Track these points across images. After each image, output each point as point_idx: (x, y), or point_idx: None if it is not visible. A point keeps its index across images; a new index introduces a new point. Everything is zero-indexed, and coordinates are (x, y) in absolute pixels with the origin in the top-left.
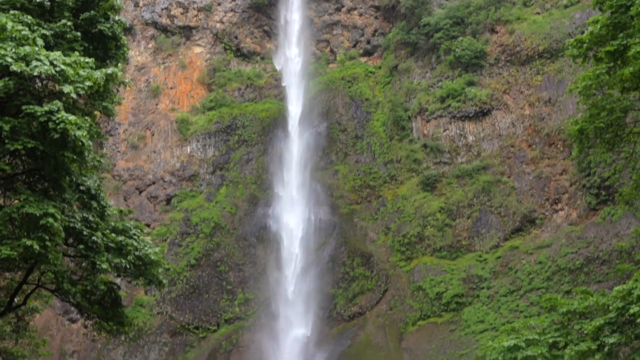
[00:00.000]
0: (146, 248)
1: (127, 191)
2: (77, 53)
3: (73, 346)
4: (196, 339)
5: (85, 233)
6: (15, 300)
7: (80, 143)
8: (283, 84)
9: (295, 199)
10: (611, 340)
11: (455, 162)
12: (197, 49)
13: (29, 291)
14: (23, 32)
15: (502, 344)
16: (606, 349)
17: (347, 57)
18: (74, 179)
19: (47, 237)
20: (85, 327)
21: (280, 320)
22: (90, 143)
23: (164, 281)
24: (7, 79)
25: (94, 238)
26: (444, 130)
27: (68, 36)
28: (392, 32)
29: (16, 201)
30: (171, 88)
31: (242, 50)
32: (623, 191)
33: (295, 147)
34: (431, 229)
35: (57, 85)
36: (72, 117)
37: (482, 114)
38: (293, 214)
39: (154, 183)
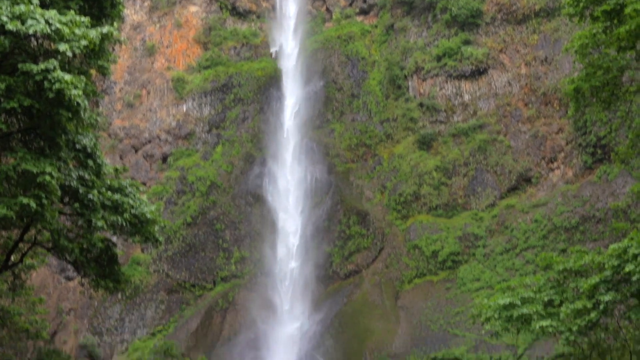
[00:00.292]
0: (142, 206)
1: (123, 150)
2: (72, 12)
3: (70, 304)
4: (192, 297)
5: (81, 191)
6: (12, 258)
7: (75, 103)
8: (279, 43)
9: (291, 158)
10: (606, 298)
11: (452, 120)
12: (193, 8)
13: (26, 249)
14: None
15: (497, 302)
16: (601, 306)
17: (343, 16)
18: (70, 138)
19: (43, 195)
20: (82, 285)
21: (276, 278)
22: (86, 102)
23: (160, 239)
24: (2, 37)
25: (90, 196)
26: (440, 89)
27: None
28: None
29: (12, 160)
30: (167, 47)
31: (237, 9)
32: (619, 150)
33: (291, 106)
34: (427, 188)
35: (52, 44)
36: (67, 77)
37: (478, 72)
38: (289, 172)
39: (149, 142)
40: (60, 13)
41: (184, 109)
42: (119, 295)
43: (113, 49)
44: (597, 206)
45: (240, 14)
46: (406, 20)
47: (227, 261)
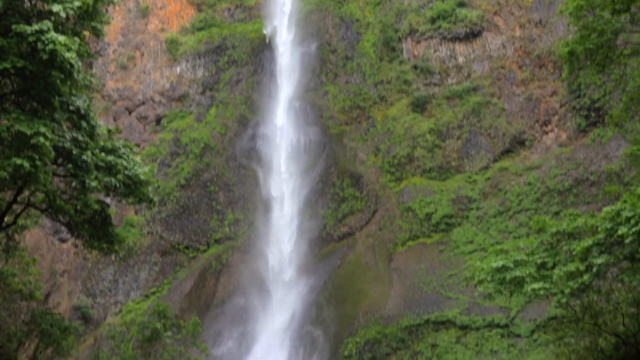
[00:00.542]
0: (136, 167)
1: (117, 111)
2: None
3: (63, 265)
4: (186, 259)
5: (74, 152)
6: (5, 219)
7: (69, 64)
8: (273, 4)
9: (285, 120)
10: (599, 260)
11: (445, 83)
12: None
13: (19, 211)
14: None
15: (490, 264)
16: (594, 269)
17: None
18: (64, 99)
19: (37, 157)
20: (76, 246)
21: (269, 241)
22: (80, 63)
23: (155, 199)
24: None
25: (83, 157)
26: (434, 52)
27: None
28: None
29: (6, 121)
30: (160, 8)
31: None
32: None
33: (285, 68)
34: (421, 150)
35: (46, 5)
36: (61, 38)
37: (472, 35)
38: (282, 135)
39: (143, 103)
40: None
41: (178, 71)
42: (113, 257)
43: (106, 10)
44: (590, 169)
45: None
46: None
47: (220, 223)
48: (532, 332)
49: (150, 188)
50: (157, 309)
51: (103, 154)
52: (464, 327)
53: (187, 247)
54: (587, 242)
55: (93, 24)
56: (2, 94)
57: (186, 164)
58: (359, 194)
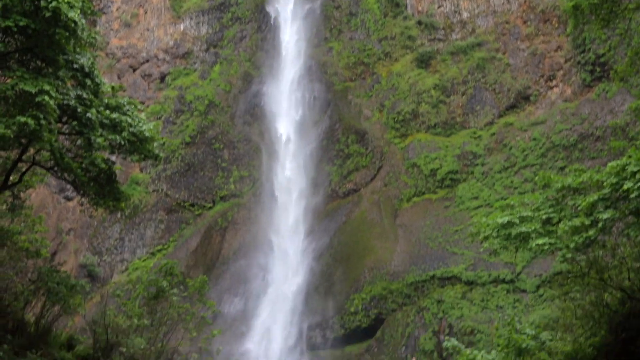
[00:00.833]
0: (140, 124)
1: (121, 69)
2: None
3: (69, 224)
4: (192, 216)
5: (79, 110)
6: (11, 178)
7: (72, 22)
8: None
9: (289, 76)
10: (605, 215)
11: (450, 38)
12: None
13: (25, 169)
14: None
15: (496, 220)
16: (600, 224)
17: None
18: (68, 57)
19: (41, 116)
20: (82, 204)
21: (275, 197)
22: (84, 21)
23: (160, 155)
24: None
25: (88, 115)
26: (439, 7)
27: None
28: None
29: (9, 80)
30: None
31: None
32: (618, 68)
33: (289, 24)
34: (425, 106)
35: None
36: None
37: None
38: (287, 91)
39: (147, 61)
40: None
41: (181, 28)
42: (119, 215)
43: None
44: (595, 124)
45: None
46: None
47: (226, 180)
48: (538, 287)
49: (155, 144)
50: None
51: (108, 112)
52: (470, 283)
53: (192, 205)
54: (593, 197)
55: None
56: (5, 52)
57: (191, 121)
58: (364, 151)
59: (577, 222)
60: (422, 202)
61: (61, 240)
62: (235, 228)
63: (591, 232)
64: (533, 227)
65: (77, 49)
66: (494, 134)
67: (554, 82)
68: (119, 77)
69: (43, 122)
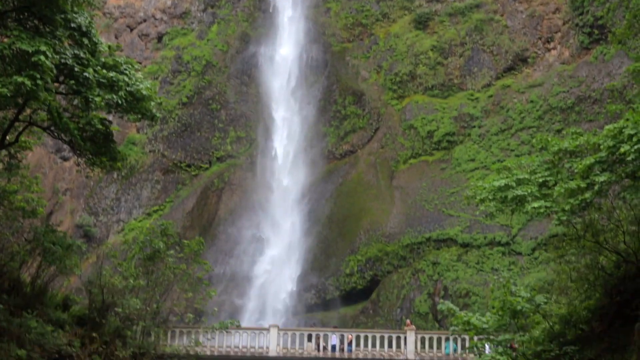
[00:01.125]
0: (138, 83)
1: (118, 29)
2: None
3: (66, 184)
4: (188, 177)
5: (76, 69)
6: (7, 138)
7: None
8: None
9: (287, 37)
10: (601, 178)
11: (448, 0)
12: None
13: (21, 129)
14: None
15: (492, 183)
16: (596, 187)
17: None
18: (65, 16)
19: (37, 75)
20: (78, 164)
21: (272, 158)
22: None
23: (157, 115)
24: None
25: (85, 74)
26: None
27: None
28: None
29: (6, 39)
30: None
31: None
32: (616, 31)
33: None
34: (423, 67)
35: None
36: None
37: None
38: (285, 51)
39: (144, 21)
40: None
41: None
42: (115, 176)
43: None
44: (593, 87)
45: None
46: None
47: (222, 141)
48: (533, 250)
49: (152, 104)
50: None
51: (105, 71)
52: (465, 245)
53: (189, 165)
54: (589, 160)
55: None
56: (3, 11)
57: (188, 81)
58: (361, 112)
59: (573, 184)
60: (418, 164)
61: (57, 200)
62: (231, 189)
63: (587, 195)
64: (529, 190)
65: (75, 8)
66: (491, 96)
67: (552, 45)
68: (116, 37)
69: (40, 82)
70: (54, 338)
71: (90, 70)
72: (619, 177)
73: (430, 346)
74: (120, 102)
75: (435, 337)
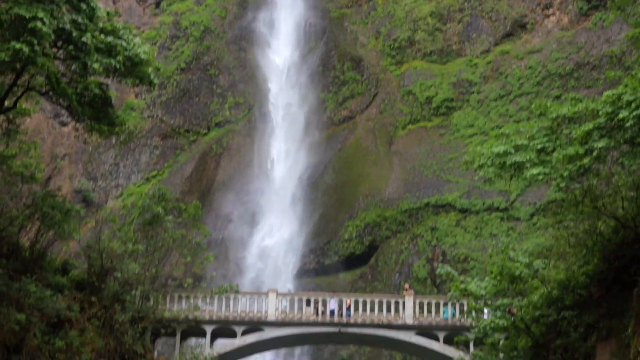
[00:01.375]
0: (136, 47)
1: None
2: None
3: (64, 149)
4: (187, 142)
5: (74, 34)
6: (6, 103)
7: None
8: None
9: (285, 3)
10: (600, 144)
11: None
12: None
13: (19, 94)
14: None
15: (491, 149)
16: (594, 153)
17: None
18: None
19: (35, 41)
20: (76, 129)
21: (270, 122)
22: None
23: (155, 80)
24: None
25: (83, 39)
26: None
27: None
28: None
29: (4, 4)
30: None
31: None
32: None
33: None
34: (422, 33)
35: None
36: None
37: None
38: (283, 16)
39: None
40: None
41: None
42: (113, 141)
43: None
44: (592, 53)
45: None
46: None
47: (221, 107)
48: (532, 215)
49: (150, 69)
50: (158, 192)
51: (103, 36)
52: (464, 211)
53: (187, 131)
54: (588, 126)
55: None
56: None
57: (186, 47)
58: (360, 78)
59: (571, 150)
60: (417, 129)
61: (56, 165)
62: (230, 154)
63: (586, 161)
64: (528, 156)
65: None
66: (490, 62)
67: (551, 11)
68: (114, 2)
69: (37, 48)
70: (53, 302)
71: (88, 35)
72: (618, 143)
73: (429, 311)
74: (118, 66)
75: (433, 302)
